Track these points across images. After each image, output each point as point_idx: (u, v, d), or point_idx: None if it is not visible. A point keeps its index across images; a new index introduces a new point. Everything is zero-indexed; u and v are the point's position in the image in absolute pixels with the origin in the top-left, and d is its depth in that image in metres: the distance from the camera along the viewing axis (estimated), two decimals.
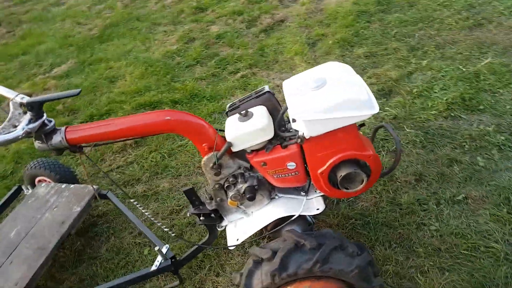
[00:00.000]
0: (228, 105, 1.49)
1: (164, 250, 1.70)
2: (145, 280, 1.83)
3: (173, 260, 1.68)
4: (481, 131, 2.30)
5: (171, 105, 3.18)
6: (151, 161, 2.66)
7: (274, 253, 1.25)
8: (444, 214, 1.91)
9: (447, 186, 2.04)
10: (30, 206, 2.11)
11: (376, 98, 1.21)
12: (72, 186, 2.19)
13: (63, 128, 1.31)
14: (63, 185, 2.20)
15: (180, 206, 2.28)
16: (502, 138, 2.23)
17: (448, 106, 2.52)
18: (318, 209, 1.40)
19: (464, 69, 2.82)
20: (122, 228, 2.23)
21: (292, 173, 1.34)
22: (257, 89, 1.47)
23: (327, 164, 1.28)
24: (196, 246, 1.69)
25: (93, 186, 2.18)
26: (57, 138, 1.29)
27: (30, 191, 2.26)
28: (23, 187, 2.31)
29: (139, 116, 1.38)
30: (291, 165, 1.32)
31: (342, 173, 1.27)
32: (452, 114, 2.48)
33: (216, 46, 3.95)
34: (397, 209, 1.98)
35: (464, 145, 2.24)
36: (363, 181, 1.29)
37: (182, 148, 2.71)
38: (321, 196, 1.45)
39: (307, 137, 1.23)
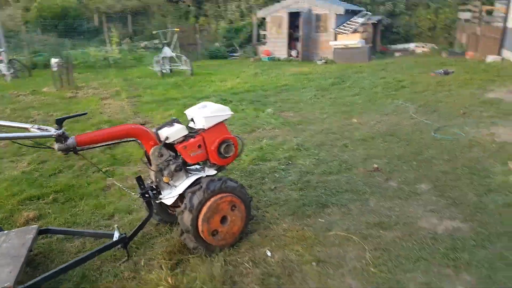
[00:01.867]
0: (155, 128, 2.72)
1: (116, 232, 2.55)
2: (104, 252, 2.50)
3: (124, 235, 2.54)
4: None
5: None
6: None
7: (201, 186, 2.47)
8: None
9: None
10: None
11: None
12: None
13: (74, 136, 2.26)
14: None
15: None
16: None
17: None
18: (215, 172, 2.71)
19: None
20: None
21: (199, 151, 2.64)
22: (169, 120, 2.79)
23: (216, 143, 2.66)
24: (141, 223, 2.62)
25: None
26: (70, 141, 2.23)
27: None
28: None
29: (117, 127, 2.49)
30: (199, 146, 2.63)
31: (223, 146, 2.67)
32: None
33: None
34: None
35: None
36: (233, 151, 2.72)
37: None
38: (214, 168, 2.76)
39: (206, 128, 2.62)
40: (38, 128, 2.21)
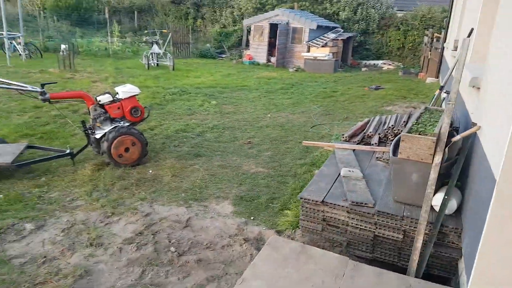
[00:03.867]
0: (97, 96, 4.96)
1: (68, 149, 4.80)
2: (60, 158, 4.74)
3: (72, 151, 4.79)
4: None
5: None
6: None
7: (115, 128, 4.72)
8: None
9: None
10: None
11: None
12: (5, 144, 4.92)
13: (49, 93, 4.51)
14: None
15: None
16: None
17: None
18: (127, 124, 4.95)
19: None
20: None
21: (118, 111, 4.87)
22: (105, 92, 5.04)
23: (128, 107, 4.90)
24: (83, 146, 4.86)
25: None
26: (47, 96, 4.47)
27: None
28: None
29: (74, 91, 4.76)
30: (118, 108, 4.87)
31: (133, 110, 4.92)
32: None
33: None
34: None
35: None
36: (140, 114, 4.96)
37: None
38: (128, 123, 4.99)
39: (123, 98, 4.86)
40: (32, 87, 4.47)
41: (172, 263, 3.04)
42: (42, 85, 4.48)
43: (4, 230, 3.36)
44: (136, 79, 10.95)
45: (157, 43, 13.76)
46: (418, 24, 17.25)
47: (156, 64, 13.60)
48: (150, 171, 4.83)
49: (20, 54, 13.73)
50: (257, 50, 17.09)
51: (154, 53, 13.45)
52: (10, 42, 13.56)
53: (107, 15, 18.66)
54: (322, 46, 15.83)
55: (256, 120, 7.54)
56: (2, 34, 12.95)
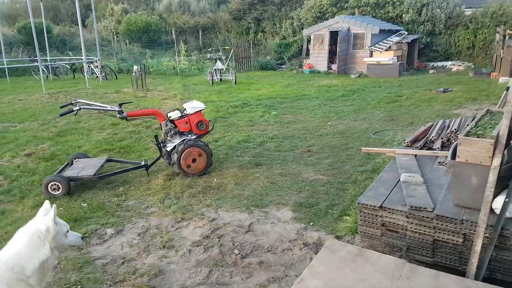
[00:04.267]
0: (168, 113, 5.46)
1: (143, 161, 5.34)
2: (136, 170, 5.29)
3: (146, 163, 5.32)
4: None
5: None
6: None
7: (184, 141, 5.16)
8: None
9: None
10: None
11: None
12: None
13: (126, 111, 5.10)
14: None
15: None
16: None
17: None
18: (195, 137, 5.38)
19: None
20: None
21: (186, 125, 5.32)
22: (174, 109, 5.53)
23: (195, 121, 5.32)
24: (156, 158, 5.38)
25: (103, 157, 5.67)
26: (124, 114, 5.06)
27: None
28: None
29: (148, 109, 5.33)
30: (186, 122, 5.32)
31: (199, 123, 5.33)
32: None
33: None
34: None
35: None
36: (205, 127, 5.37)
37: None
38: (195, 136, 5.42)
39: (190, 113, 5.31)
40: (111, 107, 5.08)
41: (236, 265, 3.28)
42: (120, 105, 5.06)
43: (88, 235, 3.85)
44: (202, 95, 11.64)
45: (220, 59, 14.50)
46: (489, 21, 16.10)
47: (219, 79, 14.31)
48: (215, 180, 5.17)
49: (97, 77, 15.32)
50: (318, 58, 17.16)
51: (217, 69, 14.18)
52: (88, 66, 15.21)
53: (174, 36, 20.08)
54: (386, 50, 15.46)
55: (316, 129, 7.64)
56: (82, 59, 14.59)
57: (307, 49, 18.60)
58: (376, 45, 15.82)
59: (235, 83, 13.65)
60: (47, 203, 2.36)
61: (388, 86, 12.43)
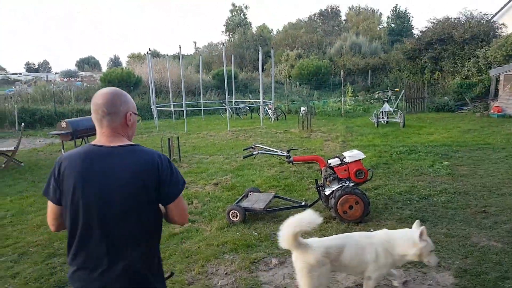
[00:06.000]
0: (329, 160, 5.93)
1: (303, 201, 5.89)
2: (297, 208, 5.88)
3: (306, 203, 5.84)
4: None
5: None
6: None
7: (342, 188, 5.51)
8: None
9: None
10: None
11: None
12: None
13: (293, 156, 5.81)
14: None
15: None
16: None
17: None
18: (352, 185, 5.66)
19: None
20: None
21: (345, 173, 5.66)
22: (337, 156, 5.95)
23: (354, 170, 5.61)
24: (316, 200, 5.86)
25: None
26: (291, 158, 5.77)
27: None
28: None
29: (312, 155, 5.94)
30: (345, 170, 5.66)
31: (357, 172, 5.59)
32: None
33: None
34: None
35: None
36: (364, 176, 5.60)
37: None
38: (353, 183, 5.69)
39: (349, 162, 5.64)
40: (281, 152, 5.86)
41: None
42: (288, 151, 5.80)
43: (257, 261, 4.53)
44: (365, 138, 11.78)
45: (388, 101, 14.39)
46: None
47: (386, 122, 14.16)
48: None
49: (270, 117, 17.20)
50: (508, 101, 15.12)
51: (384, 111, 14.10)
52: (264, 108, 17.25)
53: (342, 77, 20.91)
54: None
55: (497, 186, 6.84)
56: (258, 102, 16.70)
57: (496, 90, 16.58)
58: None
59: (403, 126, 13.26)
60: (417, 222, 3.66)
61: None
